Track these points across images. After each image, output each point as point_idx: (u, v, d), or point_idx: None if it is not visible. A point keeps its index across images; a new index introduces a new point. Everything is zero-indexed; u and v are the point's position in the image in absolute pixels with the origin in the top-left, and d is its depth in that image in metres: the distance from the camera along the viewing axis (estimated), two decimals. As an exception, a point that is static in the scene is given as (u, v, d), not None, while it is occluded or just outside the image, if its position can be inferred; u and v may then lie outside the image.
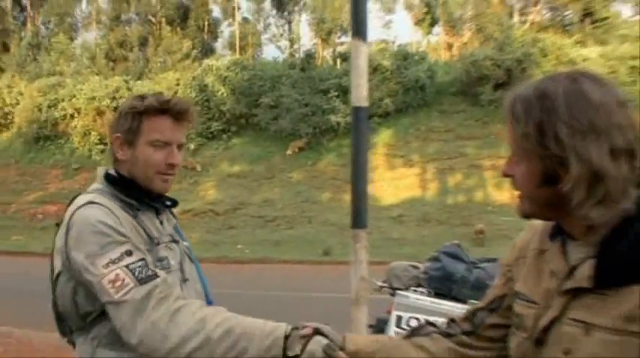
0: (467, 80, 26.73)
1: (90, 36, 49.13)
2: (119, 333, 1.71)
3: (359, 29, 3.68)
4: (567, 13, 42.90)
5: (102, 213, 1.78)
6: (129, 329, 1.67)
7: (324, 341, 1.62)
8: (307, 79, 27.95)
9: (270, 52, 66.64)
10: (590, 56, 26.54)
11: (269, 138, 27.58)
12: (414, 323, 4.14)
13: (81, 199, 1.87)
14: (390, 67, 27.07)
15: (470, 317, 1.60)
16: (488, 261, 4.60)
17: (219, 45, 51.31)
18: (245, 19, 52.04)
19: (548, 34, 30.03)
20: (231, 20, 51.04)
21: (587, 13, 40.20)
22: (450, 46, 45.93)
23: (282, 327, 1.66)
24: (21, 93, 32.12)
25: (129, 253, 1.73)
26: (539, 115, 1.22)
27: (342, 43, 45.91)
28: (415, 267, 4.75)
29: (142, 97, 1.95)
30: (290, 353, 1.62)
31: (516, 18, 43.58)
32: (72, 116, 29.86)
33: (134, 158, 1.93)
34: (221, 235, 21.67)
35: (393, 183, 24.14)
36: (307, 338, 1.63)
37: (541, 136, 1.21)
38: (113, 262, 1.70)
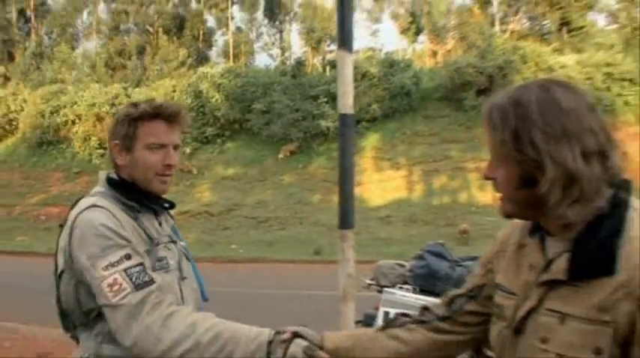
0: (451, 86, 26.76)
1: (90, 45, 49.00)
2: (114, 335, 1.74)
3: (345, 41, 3.71)
4: (545, 22, 43.06)
5: (104, 216, 1.80)
6: (123, 332, 1.70)
7: (304, 343, 1.65)
8: (298, 85, 27.93)
9: (263, 60, 66.58)
10: (568, 63, 26.63)
11: (261, 142, 27.54)
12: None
13: (84, 202, 1.88)
14: (377, 74, 27.09)
15: (448, 302, 1.62)
16: (471, 259, 4.62)
17: (213, 53, 51.23)
18: (238, 29, 51.96)
19: (528, 42, 30.10)
20: (225, 30, 50.94)
21: (564, 23, 40.38)
22: (434, 54, 46.01)
23: (266, 333, 1.69)
24: (25, 101, 32.08)
25: (128, 257, 1.75)
26: (515, 123, 1.24)
27: (331, 51, 45.87)
28: (401, 265, 4.77)
29: (136, 105, 1.97)
30: (273, 357, 1.65)
31: (497, 27, 43.71)
32: (73, 122, 29.79)
33: (133, 162, 1.94)
34: (216, 235, 21.61)
35: (380, 185, 24.14)
36: (287, 342, 1.65)
37: (517, 142, 1.24)
38: (112, 265, 1.72)
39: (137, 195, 1.95)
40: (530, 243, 1.39)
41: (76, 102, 29.99)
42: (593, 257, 1.21)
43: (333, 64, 32.70)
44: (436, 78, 28.88)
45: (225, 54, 49.21)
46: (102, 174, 2.00)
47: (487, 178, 1.37)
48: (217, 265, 14.89)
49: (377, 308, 4.66)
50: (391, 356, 1.60)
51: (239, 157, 27.47)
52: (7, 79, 39.78)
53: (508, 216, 1.37)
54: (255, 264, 16.33)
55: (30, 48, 43.99)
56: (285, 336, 1.66)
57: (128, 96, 28.96)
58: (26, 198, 27.54)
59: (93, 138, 28.49)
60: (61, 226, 1.89)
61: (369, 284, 4.84)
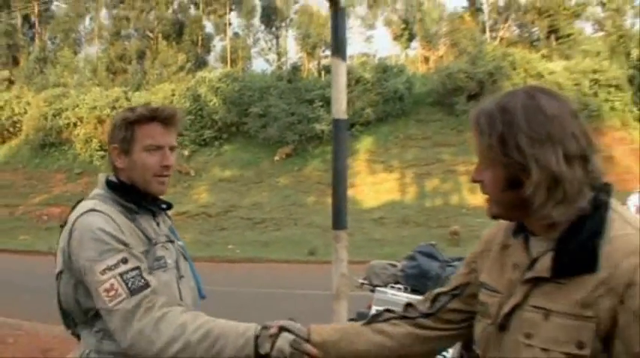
0: (442, 91, 26.82)
1: (92, 50, 48.90)
2: (113, 335, 1.76)
3: (339, 49, 3.75)
4: (534, 29, 43.22)
5: (102, 221, 1.81)
6: (120, 335, 1.72)
7: (291, 336, 1.65)
8: (293, 89, 27.95)
9: (259, 65, 66.44)
10: (556, 70, 26.74)
11: (258, 145, 27.54)
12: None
13: (84, 206, 1.89)
14: (370, 79, 27.14)
15: (432, 300, 1.63)
16: (460, 259, 4.62)
17: (211, 58, 51.14)
18: (236, 34, 51.93)
19: (517, 49, 30.21)
20: (222, 35, 50.92)
21: (552, 30, 40.53)
22: (426, 60, 46.11)
23: (252, 328, 1.70)
24: (28, 103, 32.10)
25: (125, 261, 1.76)
26: (502, 128, 1.27)
27: (326, 57, 45.83)
28: (393, 265, 4.78)
29: (132, 109, 1.99)
30: (261, 351, 1.66)
31: (488, 34, 43.84)
32: (75, 124, 29.78)
33: (132, 164, 1.95)
34: (213, 236, 21.58)
35: (374, 187, 24.16)
36: (274, 336, 1.66)
37: (504, 146, 1.26)
38: (110, 269, 1.74)
39: (135, 197, 1.96)
40: (514, 243, 1.40)
41: (77, 105, 29.99)
42: (575, 255, 1.23)
43: (328, 69, 32.72)
44: (428, 83, 28.94)
45: (223, 59, 49.18)
46: (101, 177, 2.01)
47: (475, 181, 1.39)
48: (214, 265, 14.86)
49: (369, 307, 4.66)
50: (376, 349, 1.61)
51: (236, 159, 27.46)
52: (11, 82, 39.77)
53: (495, 217, 1.39)
54: (251, 264, 16.30)
55: (34, 52, 43.95)
56: (273, 330, 1.66)
57: (128, 99, 28.95)
58: (29, 199, 27.50)
59: (94, 140, 28.47)
60: (62, 226, 1.91)
61: (362, 284, 4.85)
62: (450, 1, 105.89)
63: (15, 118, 32.27)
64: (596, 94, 25.79)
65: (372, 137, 26.66)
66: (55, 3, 48.11)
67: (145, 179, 1.96)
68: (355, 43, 56.18)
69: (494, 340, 1.38)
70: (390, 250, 15.51)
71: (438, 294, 1.64)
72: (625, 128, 25.68)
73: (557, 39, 40.16)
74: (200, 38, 48.75)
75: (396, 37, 48.30)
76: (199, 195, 25.68)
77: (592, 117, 25.32)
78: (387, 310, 1.71)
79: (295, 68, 31.96)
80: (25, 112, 31.85)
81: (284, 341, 1.65)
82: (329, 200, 3.91)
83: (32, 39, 48.43)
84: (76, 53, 45.99)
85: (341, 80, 3.70)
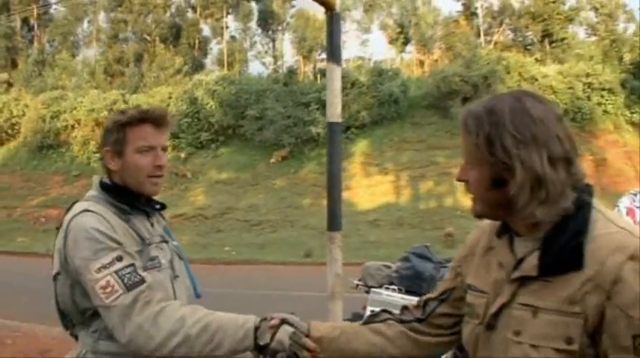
0: (437, 95, 26.82)
1: (90, 53, 48.87)
2: (111, 332, 1.77)
3: (334, 54, 3.77)
4: (528, 34, 43.34)
5: (96, 221, 1.82)
6: (119, 331, 1.73)
7: (291, 329, 1.67)
8: (290, 92, 27.95)
9: (256, 68, 66.54)
10: (549, 73, 26.79)
11: (254, 147, 27.53)
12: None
13: (78, 207, 1.90)
14: (366, 82, 27.15)
15: (422, 305, 1.67)
16: (454, 260, 4.64)
17: (208, 61, 51.12)
18: (232, 38, 51.92)
19: (511, 53, 30.28)
20: (219, 38, 50.90)
21: (546, 34, 40.66)
22: (421, 63, 46.21)
23: (252, 320, 1.72)
24: (27, 106, 32.08)
25: (119, 258, 1.77)
26: (488, 129, 1.29)
27: (322, 60, 45.87)
28: (388, 267, 4.80)
29: (123, 112, 2.00)
30: (261, 343, 1.67)
31: (482, 38, 43.94)
32: (73, 127, 29.78)
33: (125, 166, 1.96)
34: (210, 238, 21.57)
35: (369, 189, 24.17)
36: (275, 328, 1.67)
37: (490, 146, 1.29)
38: (105, 267, 1.74)
39: (128, 198, 1.97)
40: (499, 244, 1.43)
41: (75, 108, 30.00)
42: (561, 254, 1.26)
43: (324, 73, 32.76)
44: (423, 86, 28.94)
45: (220, 62, 49.15)
46: (95, 179, 2.02)
47: (460, 180, 1.42)
48: (211, 267, 14.86)
49: (364, 308, 4.68)
50: (375, 349, 1.64)
51: (232, 162, 27.44)
52: (10, 85, 39.74)
53: (479, 216, 1.42)
54: (248, 266, 16.31)
55: (32, 55, 43.94)
56: (274, 322, 1.68)
57: (126, 102, 28.91)
58: (27, 201, 27.45)
59: (92, 142, 28.39)
60: (58, 229, 1.91)
61: (357, 285, 4.86)
62: (444, 5, 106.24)
63: (13, 120, 32.22)
64: (589, 98, 25.87)
65: (368, 140, 26.68)
66: (54, 6, 48.11)
67: (138, 180, 1.96)
68: (351, 47, 56.32)
69: (482, 340, 1.40)
70: (385, 252, 15.52)
71: (427, 300, 1.67)
72: (618, 131, 25.77)
73: (550, 43, 40.29)
74: (197, 41, 48.75)
75: (392, 41, 48.35)
76: (196, 198, 25.65)
77: (585, 120, 25.41)
78: (384, 310, 1.73)
79: (291, 71, 31.97)
80: (23, 115, 31.82)
81: (284, 333, 1.67)
82: (325, 202, 3.92)
83: (31, 42, 48.41)
84: (74, 56, 45.99)
85: (336, 85, 3.73)
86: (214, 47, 51.88)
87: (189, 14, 50.71)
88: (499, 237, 1.44)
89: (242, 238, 21.15)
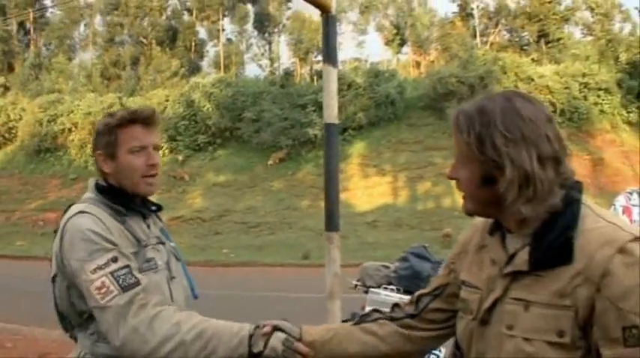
0: (434, 96, 26.85)
1: (87, 56, 48.96)
2: (105, 335, 1.77)
3: (330, 56, 3.79)
4: (524, 34, 43.45)
5: (91, 222, 1.82)
6: (113, 333, 1.72)
7: (283, 335, 1.67)
8: (286, 94, 27.96)
9: (252, 70, 66.47)
10: (546, 73, 26.82)
11: (251, 149, 27.54)
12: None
13: (74, 208, 1.91)
14: (362, 83, 27.17)
15: (415, 301, 1.69)
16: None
17: (205, 64, 51.22)
18: (229, 40, 51.97)
19: (508, 54, 30.32)
20: (216, 41, 50.94)
21: (542, 35, 40.74)
22: (417, 64, 46.29)
23: (246, 327, 1.71)
24: (24, 110, 32.20)
25: (115, 259, 1.77)
26: (479, 128, 1.32)
27: (318, 62, 45.89)
28: (386, 267, 4.80)
29: (112, 114, 2.01)
30: (255, 350, 1.67)
31: (478, 39, 44.03)
32: (70, 130, 29.87)
33: (119, 168, 1.96)
34: (208, 240, 21.57)
35: (367, 191, 24.18)
36: (268, 335, 1.68)
37: (481, 145, 1.32)
38: (100, 268, 1.74)
39: (124, 200, 1.97)
40: (491, 242, 1.46)
41: (72, 111, 30.10)
42: (551, 248, 1.29)
43: (320, 74, 32.76)
44: (420, 87, 28.99)
45: (216, 64, 49.18)
46: (91, 181, 2.02)
47: (451, 178, 1.44)
48: (209, 269, 14.87)
49: (363, 308, 4.68)
50: (367, 349, 1.65)
51: (230, 164, 27.45)
52: (6, 88, 39.78)
53: (470, 213, 1.45)
54: (246, 268, 16.31)
55: (29, 59, 44.01)
56: (266, 330, 1.68)
57: (123, 105, 28.88)
58: (25, 204, 27.46)
59: (89, 145, 28.26)
60: (56, 231, 1.92)
61: (356, 285, 4.87)
62: (440, 6, 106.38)
63: (10, 124, 32.33)
64: (585, 98, 25.92)
65: (365, 141, 26.70)
66: (50, 10, 48.12)
67: (133, 181, 1.97)
68: (347, 48, 56.55)
69: (476, 335, 1.43)
70: (384, 253, 15.52)
71: (421, 295, 1.69)
72: (614, 131, 25.82)
73: (546, 43, 40.38)
74: (193, 44, 48.83)
75: (388, 42, 48.45)
76: (194, 200, 25.65)
77: (582, 120, 25.47)
78: (375, 310, 1.75)
79: (288, 73, 32.02)
80: (21, 118, 31.92)
81: (277, 340, 1.67)
82: (322, 204, 3.93)
83: (27, 45, 48.42)
84: (70, 59, 46.06)
85: (332, 86, 3.75)
86: (211, 50, 52.01)
87: (185, 17, 50.81)
88: (491, 235, 1.47)
89: (240, 240, 21.15)
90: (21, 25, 48.38)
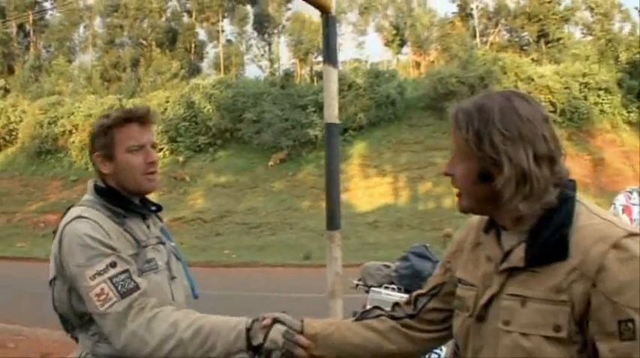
0: (434, 96, 26.86)
1: (87, 58, 48.98)
2: (107, 338, 1.78)
3: (330, 56, 3.81)
4: (524, 34, 43.45)
5: (89, 227, 1.82)
6: (114, 338, 1.74)
7: (284, 328, 1.67)
8: (287, 95, 27.98)
9: (252, 71, 66.41)
10: (546, 73, 26.83)
11: (252, 150, 27.56)
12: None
13: (72, 212, 1.90)
14: (362, 84, 27.19)
15: (413, 301, 1.70)
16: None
17: (205, 65, 51.22)
18: (229, 41, 51.98)
19: (508, 54, 30.34)
20: (215, 42, 50.95)
21: (542, 35, 40.75)
22: (418, 65, 46.30)
23: (244, 321, 1.72)
24: (24, 112, 32.25)
25: (113, 265, 1.77)
26: (478, 125, 1.34)
27: (318, 62, 45.90)
28: (387, 266, 4.80)
29: (107, 115, 2.01)
30: (254, 343, 1.68)
31: (478, 39, 44.03)
32: (70, 132, 29.93)
33: (118, 168, 1.96)
34: (209, 241, 21.59)
35: (367, 191, 24.20)
36: (268, 327, 1.68)
37: (479, 142, 1.34)
38: (99, 273, 1.75)
39: (122, 201, 1.97)
40: (486, 239, 1.48)
41: (72, 113, 30.16)
42: (547, 245, 1.31)
43: (320, 75, 32.72)
44: (420, 88, 29.01)
45: (217, 66, 49.20)
46: (90, 183, 2.02)
47: (447, 174, 1.46)
48: (211, 270, 14.88)
49: (364, 307, 4.68)
50: (369, 345, 1.67)
51: (230, 165, 27.47)
52: (7, 91, 39.85)
53: (465, 210, 1.47)
54: (247, 268, 16.31)
55: (29, 61, 44.02)
56: (266, 322, 1.69)
57: (123, 107, 28.89)
58: (25, 206, 27.50)
59: (89, 147, 28.46)
60: (55, 233, 1.91)
61: (357, 285, 4.87)
62: (440, 6, 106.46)
63: (11, 126, 32.40)
64: (585, 98, 25.93)
65: (365, 142, 26.71)
66: (50, 12, 48.18)
67: (135, 180, 1.97)
68: (347, 49, 56.53)
69: (473, 331, 1.44)
70: (385, 253, 15.53)
71: (418, 296, 1.71)
72: (615, 130, 25.82)
73: (546, 43, 40.40)
74: (193, 45, 48.82)
75: (388, 43, 48.46)
76: (195, 201, 25.66)
77: (582, 120, 25.47)
78: (376, 307, 1.76)
79: (288, 74, 32.02)
80: (21, 120, 31.99)
81: (277, 332, 1.67)
82: (323, 204, 3.94)
83: (27, 48, 48.45)
84: (70, 61, 46.10)
85: (333, 86, 3.77)
86: (210, 51, 52.00)
87: (185, 18, 50.78)
88: (486, 233, 1.49)
89: (241, 241, 21.16)
90: (21, 27, 48.43)
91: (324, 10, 3.90)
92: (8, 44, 45.94)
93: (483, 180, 1.36)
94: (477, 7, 46.11)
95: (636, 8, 36.32)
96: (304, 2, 3.91)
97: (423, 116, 27.40)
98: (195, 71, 45.92)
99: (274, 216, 23.48)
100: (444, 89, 26.11)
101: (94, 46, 49.36)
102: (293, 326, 1.67)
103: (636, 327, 1.20)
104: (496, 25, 45.06)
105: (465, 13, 46.54)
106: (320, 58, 45.62)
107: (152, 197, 2.14)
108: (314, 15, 45.68)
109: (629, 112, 26.18)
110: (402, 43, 48.30)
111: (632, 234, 1.26)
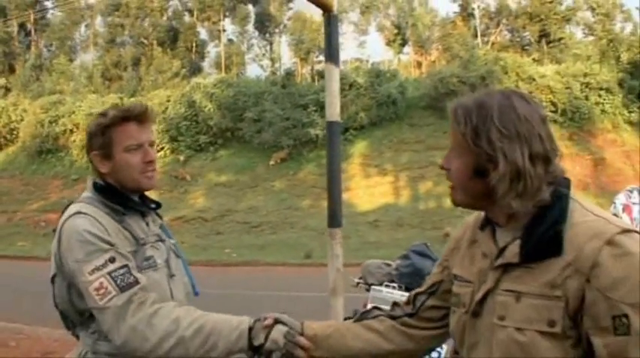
0: (435, 95, 26.79)
1: (88, 57, 49.06)
2: (106, 334, 1.78)
3: (332, 55, 3.81)
4: (525, 34, 43.45)
5: (88, 223, 1.82)
6: (113, 333, 1.74)
7: (285, 328, 1.69)
8: (288, 94, 27.95)
9: (253, 71, 66.43)
10: (547, 73, 26.79)
11: (253, 149, 27.55)
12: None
13: (71, 209, 1.91)
14: (364, 83, 27.17)
15: (411, 300, 1.72)
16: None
17: (206, 64, 51.30)
18: (230, 41, 52.03)
19: (509, 54, 30.32)
20: (217, 41, 51.00)
21: (543, 35, 40.74)
22: (419, 64, 46.31)
23: (246, 321, 1.73)
24: (25, 111, 32.23)
25: (112, 260, 1.77)
26: (476, 121, 1.37)
27: (319, 62, 45.96)
28: (388, 265, 4.80)
29: (104, 114, 2.00)
30: (255, 343, 1.69)
31: (479, 39, 44.03)
32: (71, 131, 29.90)
33: (116, 167, 1.96)
34: (210, 240, 21.58)
35: (368, 190, 24.19)
36: (269, 327, 1.69)
37: (476, 137, 1.36)
38: (98, 269, 1.75)
39: (121, 199, 1.97)
40: (482, 236, 1.50)
41: (74, 112, 30.12)
42: (541, 241, 1.33)
43: (321, 74, 32.86)
44: (421, 87, 28.96)
45: (218, 65, 49.25)
46: (89, 181, 2.02)
47: (442, 168, 1.49)
48: (211, 268, 14.87)
49: (365, 306, 4.68)
50: (369, 345, 1.69)
51: (231, 164, 27.46)
52: (8, 90, 39.87)
53: (458, 204, 1.50)
54: (248, 267, 16.31)
55: (30, 60, 44.10)
56: (267, 322, 1.70)
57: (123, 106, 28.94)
58: (26, 205, 27.49)
59: (90, 146, 28.45)
60: (55, 231, 1.92)
61: (358, 283, 4.87)
62: (441, 6, 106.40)
63: (12, 125, 32.39)
64: (587, 97, 25.89)
65: (366, 141, 26.70)
66: (51, 11, 48.21)
67: (133, 178, 1.97)
68: (348, 49, 56.45)
69: (469, 327, 1.46)
70: (385, 252, 15.51)
71: (417, 294, 1.73)
72: (616, 130, 25.80)
73: (548, 43, 40.40)
74: (194, 45, 48.87)
75: (389, 42, 48.48)
76: (195, 200, 25.66)
77: (583, 120, 25.44)
78: (375, 307, 1.78)
79: (289, 73, 31.97)
80: (22, 119, 31.98)
81: (278, 332, 1.69)
82: (324, 203, 3.95)
83: (28, 47, 48.51)
84: (71, 60, 46.16)
85: (334, 85, 3.78)
86: (212, 50, 52.10)
87: (186, 18, 50.85)
88: (482, 230, 1.51)
89: (242, 240, 21.16)
90: (22, 26, 48.50)
91: (326, 9, 3.91)
92: (9, 43, 46.03)
93: (478, 175, 1.38)
94: (478, 6, 46.12)
95: (637, 8, 36.39)
96: (306, 1, 3.92)
97: (424, 116, 27.37)
98: (196, 70, 45.97)
99: (275, 215, 23.48)
100: (445, 89, 26.06)
101: (95, 45, 49.43)
102: (294, 327, 1.69)
103: (630, 322, 1.21)
104: (497, 24, 45.07)
105: (466, 13, 46.56)
106: (321, 58, 45.67)
107: (153, 196, 2.15)
108: (315, 14, 45.72)
109: (630, 112, 26.14)
110: (404, 43, 48.32)
111: (625, 231, 1.28)
